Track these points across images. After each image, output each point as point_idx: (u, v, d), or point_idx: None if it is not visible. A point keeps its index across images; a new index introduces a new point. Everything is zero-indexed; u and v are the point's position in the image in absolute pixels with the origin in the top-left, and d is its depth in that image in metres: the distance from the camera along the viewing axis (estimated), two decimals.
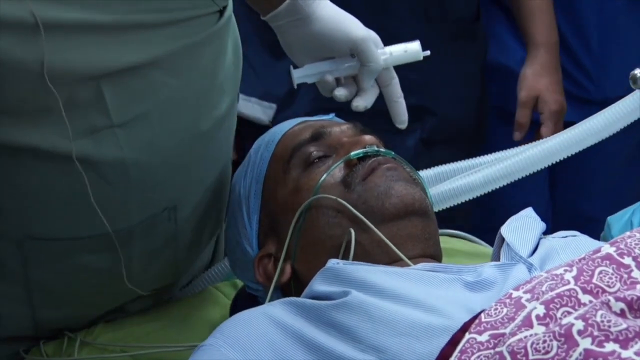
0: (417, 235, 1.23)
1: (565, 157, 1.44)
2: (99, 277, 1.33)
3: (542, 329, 0.89)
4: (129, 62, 1.20)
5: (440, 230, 1.32)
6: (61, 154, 1.20)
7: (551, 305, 0.91)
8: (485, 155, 1.49)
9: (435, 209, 1.41)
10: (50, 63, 1.14)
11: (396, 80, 1.34)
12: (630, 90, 1.43)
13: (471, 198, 1.46)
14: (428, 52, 1.36)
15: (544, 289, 0.94)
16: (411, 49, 1.35)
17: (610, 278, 0.93)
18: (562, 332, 0.86)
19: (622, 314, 0.88)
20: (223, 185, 1.45)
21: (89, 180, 1.22)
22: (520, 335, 0.89)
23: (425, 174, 1.45)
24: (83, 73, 1.17)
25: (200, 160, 1.34)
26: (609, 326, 0.86)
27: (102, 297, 1.38)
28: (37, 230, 1.26)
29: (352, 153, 1.26)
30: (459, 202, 1.46)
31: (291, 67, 1.33)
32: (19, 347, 1.40)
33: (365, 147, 1.27)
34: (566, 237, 1.26)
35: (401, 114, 1.34)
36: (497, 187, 1.44)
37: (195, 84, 1.28)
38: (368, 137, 1.29)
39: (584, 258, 0.96)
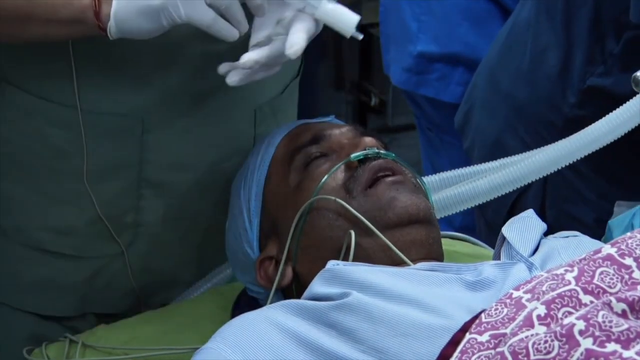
0: (421, 241, 1.23)
1: (571, 162, 1.44)
2: (56, 164, 1.36)
3: (543, 329, 0.89)
4: None
5: (442, 233, 1.32)
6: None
7: (552, 306, 0.91)
8: (490, 162, 1.48)
9: (439, 216, 1.41)
10: None
11: None
12: None
13: (475, 205, 1.46)
14: (361, 36, 1.22)
15: (544, 288, 0.94)
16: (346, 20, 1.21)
17: (612, 279, 0.94)
18: (564, 332, 0.86)
19: (623, 314, 0.88)
20: (219, 165, 1.44)
21: None
22: (521, 335, 0.89)
23: (429, 179, 1.45)
24: None
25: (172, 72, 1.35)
26: (611, 326, 0.86)
27: (54, 194, 1.39)
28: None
29: (353, 155, 1.26)
30: (463, 209, 1.45)
31: None
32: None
33: (365, 149, 1.27)
34: (567, 237, 1.26)
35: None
36: (502, 193, 1.44)
37: None
38: (368, 139, 1.29)
39: (584, 258, 0.96)
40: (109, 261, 1.44)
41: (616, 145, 1.44)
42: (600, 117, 1.44)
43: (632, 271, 0.94)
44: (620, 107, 1.43)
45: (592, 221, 1.79)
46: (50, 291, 1.43)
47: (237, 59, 1.22)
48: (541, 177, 1.44)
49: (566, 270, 0.95)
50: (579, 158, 1.44)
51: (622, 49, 1.70)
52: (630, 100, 1.44)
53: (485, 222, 1.97)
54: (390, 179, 1.25)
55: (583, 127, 1.45)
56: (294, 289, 1.27)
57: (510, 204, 1.86)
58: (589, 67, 1.74)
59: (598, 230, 1.39)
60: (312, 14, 1.20)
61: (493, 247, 1.52)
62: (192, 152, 1.41)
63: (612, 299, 0.89)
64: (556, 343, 0.86)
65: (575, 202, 1.82)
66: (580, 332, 0.86)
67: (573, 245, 1.21)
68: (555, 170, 1.44)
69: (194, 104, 1.38)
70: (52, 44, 1.28)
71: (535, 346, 0.87)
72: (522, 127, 1.86)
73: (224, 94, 1.39)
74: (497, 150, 1.62)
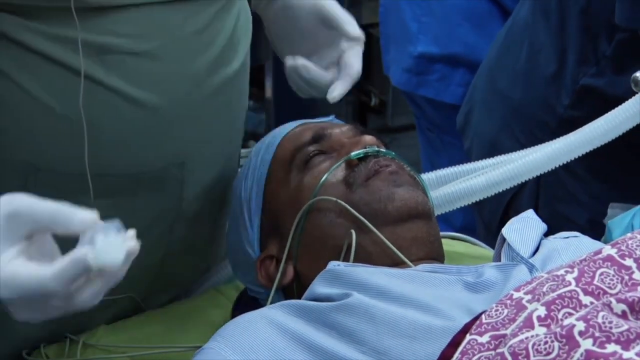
0: (423, 238, 1.23)
1: (568, 160, 1.44)
2: None
3: (544, 330, 0.89)
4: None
5: (442, 233, 1.32)
6: (70, 66, 1.21)
7: (552, 307, 0.91)
8: (488, 159, 1.48)
9: (437, 212, 1.41)
10: None
11: None
12: None
13: (472, 202, 1.46)
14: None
15: (544, 289, 0.94)
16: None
17: (612, 280, 0.94)
18: (564, 333, 0.86)
19: (623, 315, 0.88)
20: (230, 168, 1.44)
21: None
22: (521, 336, 0.89)
23: (426, 177, 1.45)
24: None
25: (209, 118, 1.34)
26: (611, 327, 0.86)
27: None
28: (44, 159, 1.25)
29: (353, 153, 1.27)
30: (461, 206, 1.45)
31: None
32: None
33: (365, 148, 1.27)
34: (568, 237, 1.26)
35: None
36: (499, 190, 1.44)
37: (208, 32, 1.30)
38: (369, 138, 1.29)
39: (585, 259, 0.96)
40: (131, 300, 1.43)
41: (613, 146, 1.44)
42: (594, 119, 1.44)
43: (633, 272, 0.94)
44: (620, 105, 1.43)
45: (584, 222, 1.80)
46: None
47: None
48: (539, 174, 1.44)
49: (566, 271, 0.95)
50: (577, 156, 1.44)
51: (614, 51, 1.70)
52: (630, 99, 1.44)
53: (482, 223, 1.97)
54: (389, 169, 1.25)
55: (576, 128, 1.45)
56: (295, 288, 1.28)
57: (505, 203, 1.87)
58: (582, 68, 1.74)
59: (590, 231, 1.39)
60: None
61: (491, 248, 1.53)
62: (221, 179, 1.42)
63: (612, 299, 0.89)
64: (556, 344, 0.86)
65: (568, 203, 1.83)
66: (580, 333, 0.86)
67: (573, 246, 1.21)
68: (554, 167, 1.44)
69: (224, 130, 1.39)
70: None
71: (536, 347, 0.87)
72: (518, 128, 1.86)
73: (239, 111, 1.42)
74: (494, 151, 1.63)
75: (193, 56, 1.29)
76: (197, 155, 1.35)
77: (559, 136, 1.46)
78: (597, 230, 1.51)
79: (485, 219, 1.94)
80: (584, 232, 1.30)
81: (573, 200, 1.81)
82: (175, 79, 1.28)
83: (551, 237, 1.27)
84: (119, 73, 1.24)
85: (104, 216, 1.30)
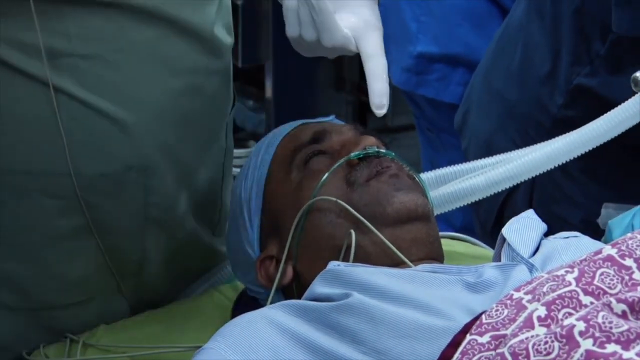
0: (422, 239, 1.23)
1: (568, 159, 1.44)
2: (56, 230, 1.31)
3: (544, 330, 0.89)
4: None
5: (442, 233, 1.32)
6: (21, 69, 1.21)
7: (552, 307, 0.91)
8: (487, 158, 1.48)
9: (437, 212, 1.41)
10: None
11: None
12: None
13: (472, 201, 1.46)
14: None
15: (545, 290, 0.94)
16: None
17: (612, 280, 0.94)
18: (564, 333, 0.86)
19: (623, 315, 0.88)
20: (214, 176, 1.44)
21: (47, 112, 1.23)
22: (521, 337, 0.89)
23: (426, 176, 1.45)
24: None
25: (175, 124, 1.33)
26: (611, 327, 0.86)
27: (57, 257, 1.34)
28: None
29: (353, 153, 1.27)
30: (461, 205, 1.46)
31: None
32: None
33: (365, 148, 1.27)
34: (568, 237, 1.27)
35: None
36: (500, 190, 1.44)
37: (165, 35, 1.28)
38: (369, 138, 1.29)
39: (585, 259, 0.96)
40: (114, 303, 1.43)
41: (608, 147, 1.44)
42: (587, 118, 1.44)
43: (633, 272, 0.94)
44: (620, 105, 1.43)
45: (578, 222, 1.80)
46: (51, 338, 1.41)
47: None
48: (538, 174, 1.45)
49: (567, 271, 0.95)
50: (578, 155, 1.44)
51: (607, 51, 1.70)
52: (630, 99, 1.44)
53: (478, 222, 1.98)
54: (390, 171, 1.25)
55: (571, 128, 1.45)
56: (295, 288, 1.28)
57: (500, 203, 1.87)
58: (576, 68, 1.74)
59: (584, 231, 1.40)
60: None
61: (489, 247, 1.53)
62: (204, 186, 1.41)
63: (612, 299, 0.89)
64: (556, 344, 0.86)
65: (563, 204, 1.83)
66: (580, 333, 0.86)
67: (573, 246, 1.21)
68: (555, 166, 1.44)
69: (196, 136, 1.38)
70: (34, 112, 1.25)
71: (536, 347, 0.87)
72: (513, 128, 1.86)
73: (215, 115, 1.41)
74: (490, 151, 1.63)
75: (150, 60, 1.28)
76: (163, 161, 1.34)
77: (553, 136, 1.46)
78: (590, 229, 1.51)
79: (481, 219, 1.94)
80: (577, 231, 1.31)
81: (569, 202, 1.82)
82: (130, 83, 1.27)
83: (551, 237, 1.27)
84: (72, 77, 1.24)
85: (54, 217, 1.29)
